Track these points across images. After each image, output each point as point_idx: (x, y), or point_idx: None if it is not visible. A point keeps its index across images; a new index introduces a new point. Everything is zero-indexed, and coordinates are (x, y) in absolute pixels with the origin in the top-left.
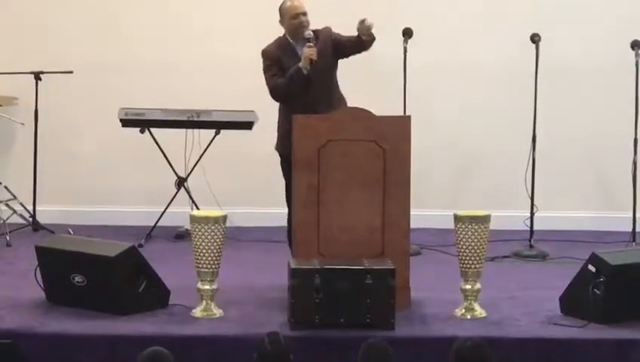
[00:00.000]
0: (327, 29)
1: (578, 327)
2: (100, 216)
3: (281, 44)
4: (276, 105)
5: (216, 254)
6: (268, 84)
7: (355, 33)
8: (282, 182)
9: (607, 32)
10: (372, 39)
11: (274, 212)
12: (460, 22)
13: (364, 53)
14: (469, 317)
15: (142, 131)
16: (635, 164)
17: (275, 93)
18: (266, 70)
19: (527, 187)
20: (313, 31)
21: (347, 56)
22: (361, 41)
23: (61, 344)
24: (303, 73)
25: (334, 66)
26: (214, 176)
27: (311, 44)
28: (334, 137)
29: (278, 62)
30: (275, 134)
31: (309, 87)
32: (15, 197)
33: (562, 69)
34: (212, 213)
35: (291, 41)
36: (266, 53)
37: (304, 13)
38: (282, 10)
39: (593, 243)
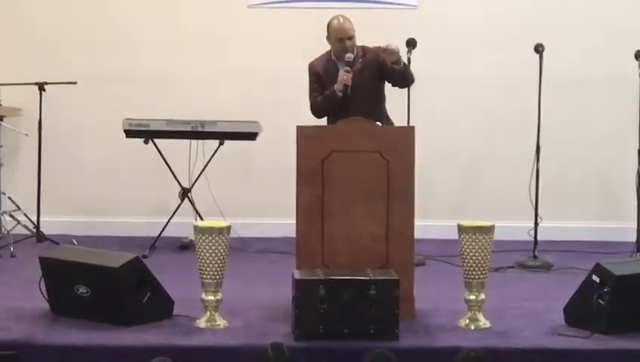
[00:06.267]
0: (377, 49)
1: (582, 338)
2: (104, 227)
3: (325, 60)
4: (278, 116)
5: (220, 265)
6: (309, 99)
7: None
8: (286, 192)
9: (611, 42)
10: (401, 69)
11: (278, 223)
12: (463, 33)
13: None
14: (473, 327)
15: (146, 142)
16: (638, 173)
17: (312, 110)
18: (309, 84)
19: (531, 197)
20: (362, 48)
21: (390, 82)
22: (393, 71)
23: (65, 355)
24: (337, 96)
25: (378, 87)
26: (218, 186)
27: (348, 69)
28: (338, 148)
29: (318, 79)
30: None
31: (349, 106)
32: (19, 208)
33: (565, 80)
34: (216, 224)
35: (335, 59)
36: (309, 68)
37: (349, 38)
38: (329, 29)
39: (597, 254)
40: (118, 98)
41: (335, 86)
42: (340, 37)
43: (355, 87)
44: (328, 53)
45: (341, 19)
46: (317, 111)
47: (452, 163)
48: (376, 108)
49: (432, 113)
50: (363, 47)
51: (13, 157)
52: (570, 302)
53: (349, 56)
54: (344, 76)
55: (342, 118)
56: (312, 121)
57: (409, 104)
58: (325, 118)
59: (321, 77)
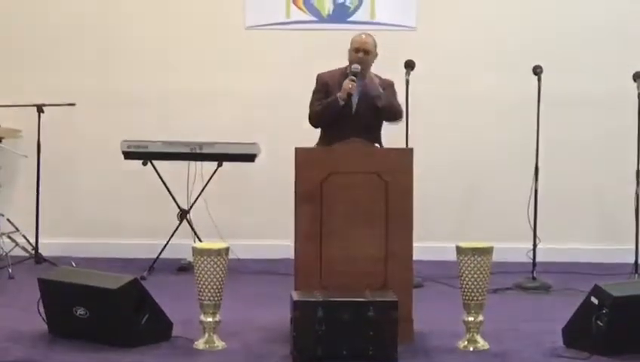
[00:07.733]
0: (389, 82)
1: (581, 359)
2: (102, 249)
3: (339, 74)
4: (276, 138)
5: (219, 286)
6: (309, 107)
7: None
8: (284, 214)
9: (609, 64)
10: (383, 105)
11: (276, 244)
12: (461, 54)
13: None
14: (471, 349)
15: (144, 163)
16: (637, 195)
17: (310, 118)
18: (312, 93)
19: (529, 219)
20: (377, 76)
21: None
22: (378, 106)
23: None
24: (338, 104)
25: (379, 115)
26: (217, 208)
27: (354, 78)
28: (336, 170)
29: (325, 89)
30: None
31: (348, 123)
32: (18, 230)
33: (563, 101)
34: (214, 245)
35: (349, 73)
36: (317, 78)
37: (365, 51)
38: (351, 40)
39: (596, 275)
40: (116, 120)
41: (338, 94)
42: (355, 47)
43: (360, 104)
44: (345, 68)
45: (364, 35)
46: (315, 119)
47: (451, 184)
48: (375, 132)
49: (431, 135)
50: (377, 75)
51: (12, 179)
52: (568, 324)
53: (356, 66)
54: (349, 85)
55: (342, 134)
56: (311, 143)
57: (407, 125)
58: (322, 130)
59: (328, 87)
